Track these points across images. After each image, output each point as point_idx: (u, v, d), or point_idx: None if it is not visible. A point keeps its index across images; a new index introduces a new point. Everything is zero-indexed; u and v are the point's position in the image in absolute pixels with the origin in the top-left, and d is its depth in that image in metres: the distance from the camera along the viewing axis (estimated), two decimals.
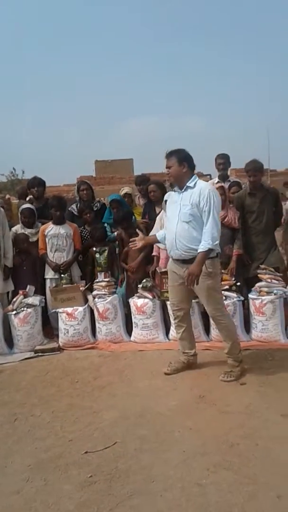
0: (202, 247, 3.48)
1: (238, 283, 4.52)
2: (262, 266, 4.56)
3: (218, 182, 5.23)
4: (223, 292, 4.44)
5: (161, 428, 2.92)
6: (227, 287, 4.45)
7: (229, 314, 3.90)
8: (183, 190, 3.62)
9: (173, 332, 4.53)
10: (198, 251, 3.49)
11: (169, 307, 4.50)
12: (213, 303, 3.69)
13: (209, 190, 3.56)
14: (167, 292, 4.54)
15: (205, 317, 4.58)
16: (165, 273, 4.59)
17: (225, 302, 4.37)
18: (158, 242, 4.02)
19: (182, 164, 3.60)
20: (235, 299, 4.40)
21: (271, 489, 2.26)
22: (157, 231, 4.65)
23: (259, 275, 4.51)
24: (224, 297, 4.41)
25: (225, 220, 4.52)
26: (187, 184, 3.60)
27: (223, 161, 5.29)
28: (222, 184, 4.99)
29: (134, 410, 3.19)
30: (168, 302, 4.51)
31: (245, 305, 4.58)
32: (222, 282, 4.51)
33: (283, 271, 4.75)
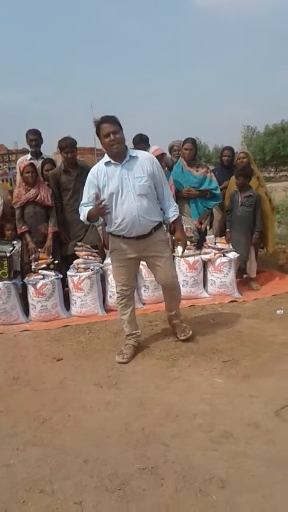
0: (176, 213, 3.45)
1: (56, 261, 4.52)
2: (79, 243, 4.62)
3: (31, 159, 5.06)
4: (40, 271, 4.42)
5: None
6: (44, 265, 4.42)
7: None
8: (124, 161, 3.19)
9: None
10: (174, 218, 3.45)
11: None
12: (174, 269, 3.70)
13: (155, 158, 3.40)
14: None
15: (23, 298, 4.49)
16: None
17: (44, 281, 4.35)
18: None
19: (122, 131, 3.19)
20: (53, 277, 4.39)
21: (78, 456, 2.33)
22: None
23: (76, 252, 4.57)
24: (42, 276, 4.40)
25: (38, 198, 4.43)
26: (130, 154, 3.22)
27: (35, 138, 5.08)
28: (33, 161, 4.85)
29: None
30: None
31: (65, 283, 4.61)
32: (39, 261, 4.47)
33: (100, 248, 4.89)
